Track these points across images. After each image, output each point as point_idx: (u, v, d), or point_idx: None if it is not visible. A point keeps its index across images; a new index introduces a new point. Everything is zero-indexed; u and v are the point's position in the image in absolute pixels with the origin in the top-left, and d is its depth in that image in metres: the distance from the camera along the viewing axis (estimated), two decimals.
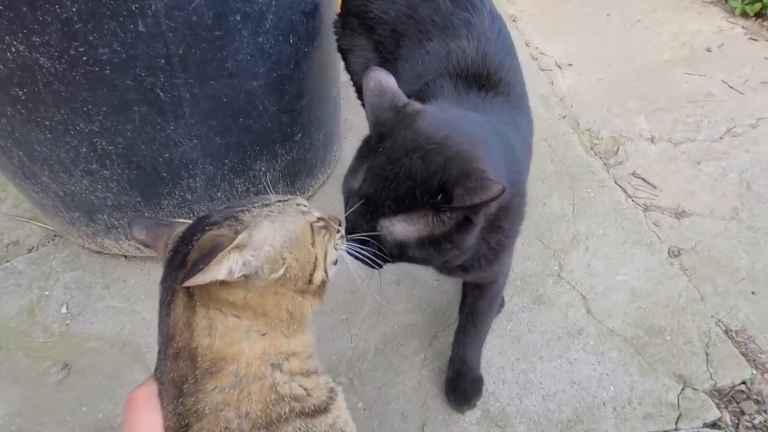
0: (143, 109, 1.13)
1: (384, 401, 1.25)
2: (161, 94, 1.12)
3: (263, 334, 0.59)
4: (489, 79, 1.07)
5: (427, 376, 1.29)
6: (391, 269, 1.50)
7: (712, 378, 1.24)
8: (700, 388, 1.22)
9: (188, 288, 0.57)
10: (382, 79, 0.81)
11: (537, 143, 1.83)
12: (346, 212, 0.80)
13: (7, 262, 1.59)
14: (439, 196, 0.71)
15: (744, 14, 2.34)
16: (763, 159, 1.73)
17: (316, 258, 0.64)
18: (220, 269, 0.52)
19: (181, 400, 0.55)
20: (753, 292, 1.40)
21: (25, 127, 1.12)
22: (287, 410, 0.57)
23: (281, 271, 0.59)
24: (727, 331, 1.32)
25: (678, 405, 1.19)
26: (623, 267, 1.46)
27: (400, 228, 0.75)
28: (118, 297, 1.49)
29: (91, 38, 0.97)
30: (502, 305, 1.38)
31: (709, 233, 1.52)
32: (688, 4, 2.45)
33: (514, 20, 2.50)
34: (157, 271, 0.84)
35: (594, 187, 1.67)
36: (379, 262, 0.80)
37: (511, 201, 0.88)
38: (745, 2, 2.31)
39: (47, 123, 1.11)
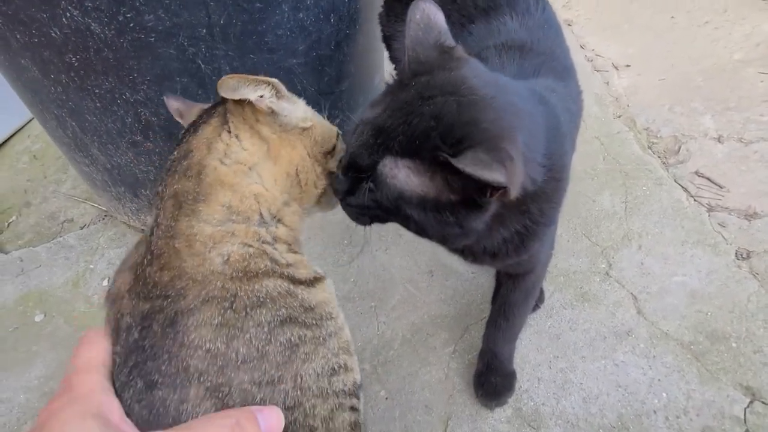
0: (185, 80, 1.16)
1: (408, 391, 1.17)
2: (202, 65, 1.15)
3: (263, 184, 0.66)
4: (532, 49, 1.01)
5: (456, 369, 1.20)
6: (425, 260, 1.44)
7: None
8: None
9: (226, 115, 0.67)
10: (431, 12, 0.71)
11: (589, 141, 1.75)
12: (349, 141, 0.70)
13: (60, 237, 1.67)
14: (452, 150, 0.59)
15: None
16: None
17: (335, 148, 0.75)
18: (255, 89, 0.64)
19: (177, 213, 0.60)
20: None
21: (78, 95, 1.18)
22: (268, 265, 0.61)
23: (308, 123, 0.71)
24: None
25: (744, 419, 1.04)
26: (681, 267, 1.31)
27: (404, 174, 0.64)
28: None
29: (137, 4, 1.01)
30: (541, 300, 1.28)
31: None
32: (763, 5, 2.27)
33: (569, 24, 2.42)
34: None
35: (650, 185, 1.54)
36: (365, 216, 0.72)
37: (544, 185, 0.73)
38: None
39: (97, 91, 1.16)
